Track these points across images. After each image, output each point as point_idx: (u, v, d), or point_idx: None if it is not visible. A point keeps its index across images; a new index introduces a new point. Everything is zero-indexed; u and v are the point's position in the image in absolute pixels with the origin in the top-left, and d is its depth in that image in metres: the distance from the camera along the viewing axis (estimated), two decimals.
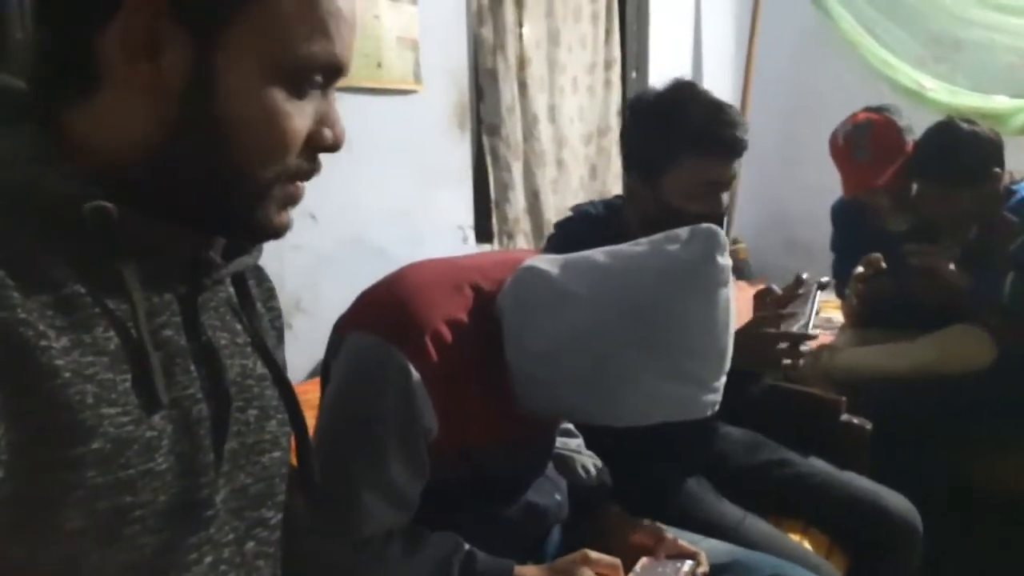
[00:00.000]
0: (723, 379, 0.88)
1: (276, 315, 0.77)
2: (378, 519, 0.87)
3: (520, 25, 2.58)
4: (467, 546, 0.90)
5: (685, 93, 1.30)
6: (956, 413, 1.72)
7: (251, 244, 0.64)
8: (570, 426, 1.24)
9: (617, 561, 0.91)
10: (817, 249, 2.52)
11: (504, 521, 0.99)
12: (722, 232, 0.86)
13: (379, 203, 2.23)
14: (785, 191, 3.51)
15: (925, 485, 1.47)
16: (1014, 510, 1.73)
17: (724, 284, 0.84)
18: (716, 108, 1.28)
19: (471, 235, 2.49)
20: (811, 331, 1.23)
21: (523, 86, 2.61)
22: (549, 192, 2.69)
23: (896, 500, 1.36)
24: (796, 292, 1.29)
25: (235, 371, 0.62)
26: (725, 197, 1.32)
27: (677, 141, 1.26)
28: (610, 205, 1.40)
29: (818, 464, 1.42)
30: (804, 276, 1.30)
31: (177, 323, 0.58)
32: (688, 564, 1.00)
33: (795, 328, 1.23)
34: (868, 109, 2.01)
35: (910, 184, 1.91)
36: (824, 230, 2.27)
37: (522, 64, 2.60)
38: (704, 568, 1.01)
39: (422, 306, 0.88)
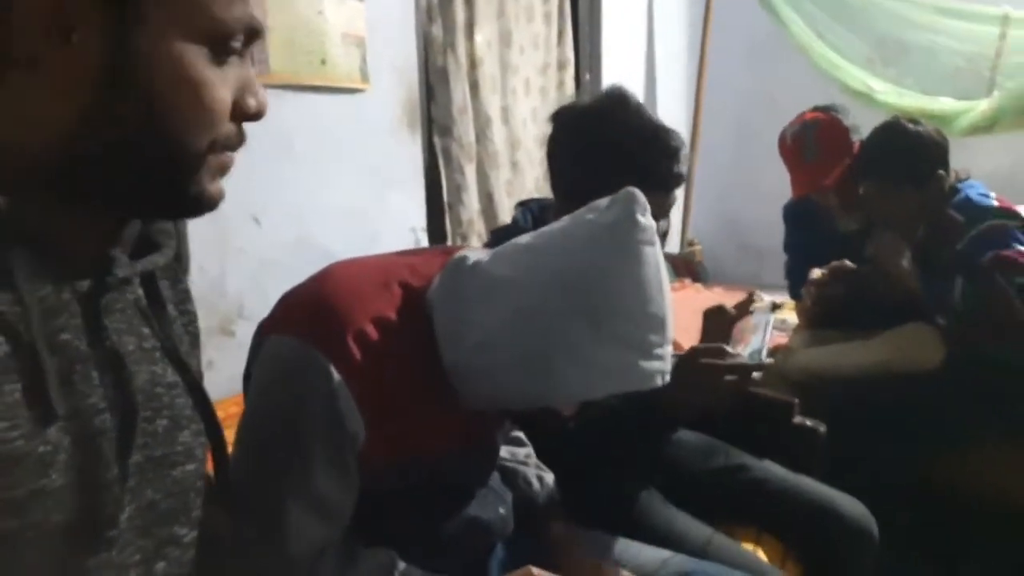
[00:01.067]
0: (667, 346, 0.85)
1: (191, 319, 0.73)
2: (306, 535, 0.81)
3: (471, 25, 2.53)
4: (402, 564, 0.85)
5: (617, 114, 1.17)
6: (907, 413, 1.72)
7: (186, 217, 0.61)
8: (519, 434, 1.19)
9: None
10: (771, 254, 2.52)
11: (444, 536, 0.93)
12: (640, 194, 0.83)
13: (326, 204, 2.16)
14: (739, 196, 3.52)
15: (878, 486, 1.45)
16: (967, 509, 1.73)
17: (649, 243, 0.82)
18: (655, 134, 1.16)
19: (424, 237, 2.43)
20: (764, 360, 1.19)
21: (475, 87, 2.56)
22: (504, 194, 2.64)
23: (850, 504, 1.34)
24: (748, 311, 1.26)
25: (143, 378, 0.58)
26: (664, 225, 1.26)
27: (611, 174, 1.07)
28: (544, 207, 1.31)
29: (772, 468, 1.40)
30: (757, 296, 1.26)
31: (77, 326, 0.53)
32: None
33: (747, 354, 1.19)
34: (815, 109, 2.01)
35: (856, 183, 1.91)
36: (777, 233, 2.27)
37: (473, 64, 2.55)
38: None
39: (344, 304, 0.83)
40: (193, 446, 0.63)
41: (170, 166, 0.53)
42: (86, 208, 0.54)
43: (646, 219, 0.83)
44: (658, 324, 0.83)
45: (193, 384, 0.63)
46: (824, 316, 1.99)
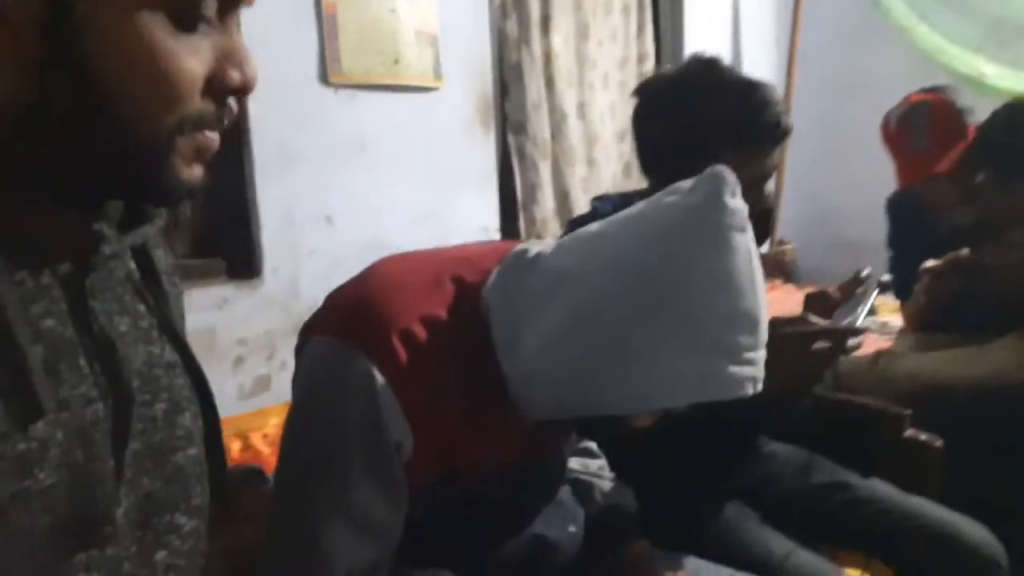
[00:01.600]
0: (760, 349, 0.74)
1: (179, 292, 0.68)
2: (347, 556, 0.74)
3: (547, 19, 2.45)
4: None
5: (708, 74, 1.12)
6: None
7: (161, 207, 0.56)
8: (591, 445, 1.10)
9: None
10: (868, 248, 2.34)
11: (507, 557, 0.85)
12: (730, 172, 0.72)
13: (398, 205, 2.13)
14: (832, 188, 3.32)
15: (1006, 512, 1.27)
16: None
17: (740, 229, 0.71)
18: (749, 89, 1.11)
19: (497, 237, 2.37)
20: (859, 326, 1.03)
21: (550, 82, 2.48)
22: (580, 192, 2.55)
23: (974, 530, 1.18)
24: (853, 291, 1.11)
25: (140, 360, 0.55)
26: (769, 187, 1.16)
27: (706, 135, 1.09)
28: (627, 198, 1.23)
29: (880, 488, 1.25)
30: (865, 272, 1.11)
31: (61, 311, 0.49)
32: None
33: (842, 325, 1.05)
34: (923, 90, 1.83)
35: (973, 172, 1.72)
36: (875, 227, 2.09)
37: (549, 59, 2.47)
38: None
39: (390, 302, 0.76)
40: (193, 430, 0.60)
41: (130, 152, 0.47)
42: (66, 194, 0.50)
43: (735, 201, 0.72)
44: (750, 323, 0.72)
45: (191, 363, 0.60)
46: (937, 316, 1.80)
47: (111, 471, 0.50)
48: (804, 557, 1.10)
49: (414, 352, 0.74)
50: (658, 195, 0.77)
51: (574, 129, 2.56)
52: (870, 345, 1.90)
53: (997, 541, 1.18)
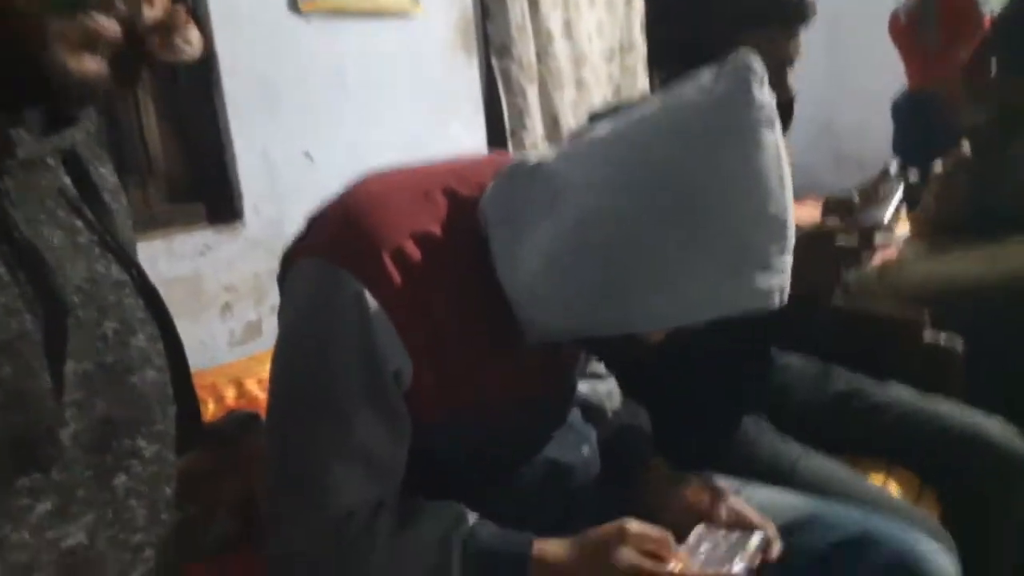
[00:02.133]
0: (788, 255, 0.67)
1: (125, 209, 0.65)
2: (351, 493, 0.69)
3: None
4: (472, 518, 0.72)
5: None
6: None
7: (64, 106, 0.52)
8: (600, 368, 1.04)
9: (664, 535, 0.71)
10: (869, 163, 2.26)
11: (519, 484, 0.80)
12: (756, 59, 0.65)
13: (381, 137, 2.03)
14: (832, 99, 3.20)
15: None
16: None
17: (768, 124, 0.64)
18: None
19: None
20: (886, 221, 0.97)
21: (534, 2, 2.36)
22: (570, 115, 2.45)
23: (998, 429, 1.14)
24: (877, 192, 1.02)
25: (80, 276, 0.52)
26: (793, 75, 1.08)
27: (725, 16, 1.02)
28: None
29: (900, 392, 1.20)
30: (892, 168, 1.03)
31: None
32: (756, 538, 0.79)
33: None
34: None
35: (988, 66, 1.63)
36: (878, 141, 2.01)
37: None
38: (778, 546, 0.80)
39: (379, 219, 0.69)
40: (150, 352, 0.58)
41: (3, 38, 0.44)
42: None
43: (764, 93, 0.64)
44: (779, 227, 0.65)
45: (143, 283, 0.57)
46: (949, 219, 1.73)
47: (49, 389, 0.48)
48: (814, 460, 1.06)
49: (408, 273, 0.68)
50: (676, 89, 0.68)
51: (561, 50, 2.45)
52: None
53: (1021, 437, 1.14)
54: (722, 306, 0.66)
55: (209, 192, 1.82)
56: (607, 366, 1.03)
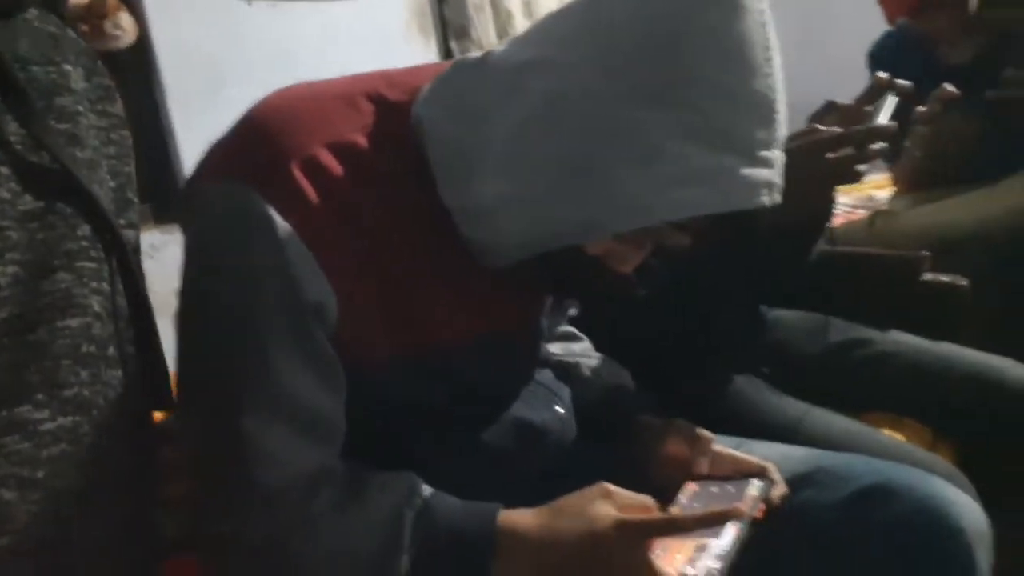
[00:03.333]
0: (777, 148, 0.59)
1: (115, 123, 0.58)
2: (279, 455, 0.58)
3: None
4: (427, 491, 0.61)
5: None
6: None
7: None
8: (572, 329, 0.94)
9: (646, 499, 0.61)
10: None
11: (484, 450, 0.69)
12: None
13: None
14: (803, 73, 3.13)
15: None
16: None
17: None
18: None
19: None
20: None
21: None
22: None
23: (1014, 368, 1.04)
24: (867, 106, 0.92)
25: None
26: None
27: None
28: None
29: (904, 338, 1.11)
30: (883, 75, 0.92)
31: None
32: (756, 485, 0.69)
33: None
34: None
35: None
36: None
37: None
38: (781, 488, 0.71)
39: (286, 128, 0.59)
40: (75, 294, 0.48)
41: None
42: None
43: None
44: (765, 109, 0.57)
45: (95, 210, 0.49)
46: (935, 168, 1.64)
47: None
48: (821, 415, 0.96)
49: (326, 188, 0.58)
50: None
51: (522, 29, 2.36)
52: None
53: None
54: (704, 200, 0.56)
55: (153, 190, 1.70)
56: (582, 316, 0.92)
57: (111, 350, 0.52)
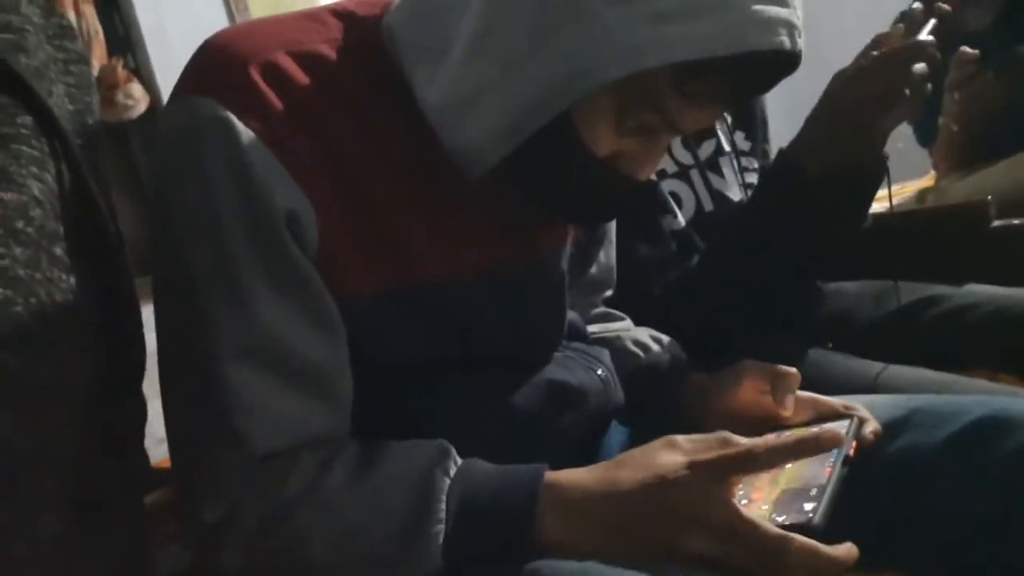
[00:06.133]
0: None
1: (74, 57, 0.56)
2: (263, 404, 0.51)
3: None
4: (459, 459, 0.53)
5: None
6: None
7: None
8: (609, 310, 0.86)
9: (722, 434, 0.51)
10: None
11: (513, 415, 0.60)
12: None
13: None
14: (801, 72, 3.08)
15: None
16: None
17: None
18: None
19: None
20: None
21: None
22: None
23: None
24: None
25: None
26: None
27: None
28: None
29: (979, 289, 1.00)
30: (918, 4, 0.87)
31: None
32: (843, 424, 0.59)
33: None
34: None
35: None
36: None
37: None
38: (873, 424, 0.60)
39: (242, 37, 0.56)
40: (10, 171, 0.45)
41: None
42: None
43: None
44: None
45: (35, 101, 0.46)
46: (972, 141, 1.54)
47: None
48: (900, 370, 0.86)
49: (287, 94, 0.53)
50: None
51: None
52: None
53: None
54: (708, 39, 0.48)
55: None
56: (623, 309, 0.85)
57: (57, 250, 0.47)
